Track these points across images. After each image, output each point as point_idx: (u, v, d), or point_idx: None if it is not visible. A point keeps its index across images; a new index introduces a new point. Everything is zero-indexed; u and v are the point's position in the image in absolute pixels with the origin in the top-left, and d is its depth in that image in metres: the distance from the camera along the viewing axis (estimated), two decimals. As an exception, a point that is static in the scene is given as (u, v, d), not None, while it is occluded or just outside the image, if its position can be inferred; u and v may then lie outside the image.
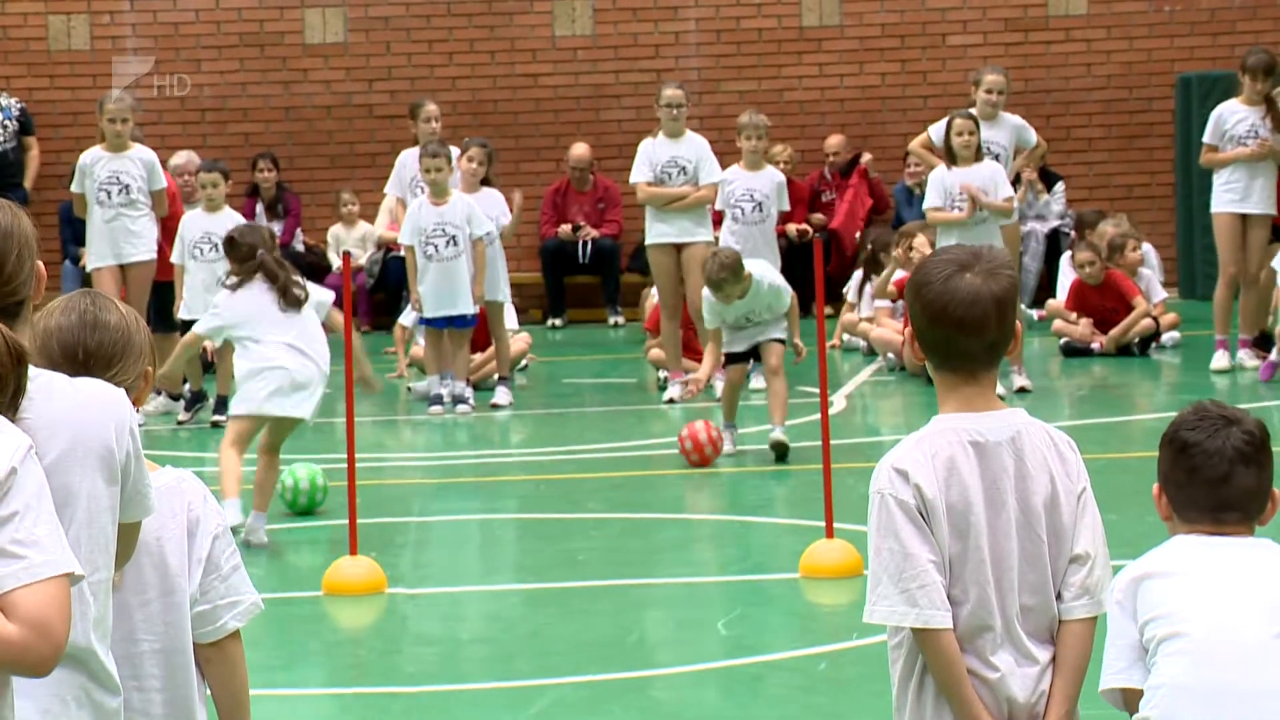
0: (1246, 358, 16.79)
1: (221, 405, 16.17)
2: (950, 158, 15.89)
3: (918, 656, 4.84)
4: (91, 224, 16.51)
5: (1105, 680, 4.84)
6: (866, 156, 22.16)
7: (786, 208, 17.40)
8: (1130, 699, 4.80)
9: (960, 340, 4.84)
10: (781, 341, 14.04)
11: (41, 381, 4.08)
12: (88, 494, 4.09)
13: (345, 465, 10.87)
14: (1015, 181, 17.31)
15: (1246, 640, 4.73)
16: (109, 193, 16.30)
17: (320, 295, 12.01)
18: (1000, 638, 4.82)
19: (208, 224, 16.33)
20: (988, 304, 4.82)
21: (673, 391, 16.52)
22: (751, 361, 14.94)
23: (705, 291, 13.97)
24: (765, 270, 14.21)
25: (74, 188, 16.69)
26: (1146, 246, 19.83)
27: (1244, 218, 16.51)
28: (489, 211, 16.78)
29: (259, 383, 11.51)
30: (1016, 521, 4.83)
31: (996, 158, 16.36)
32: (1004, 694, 4.81)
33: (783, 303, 14.09)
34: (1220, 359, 16.85)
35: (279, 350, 11.53)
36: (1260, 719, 4.71)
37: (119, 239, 16.32)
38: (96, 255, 16.48)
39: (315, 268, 20.74)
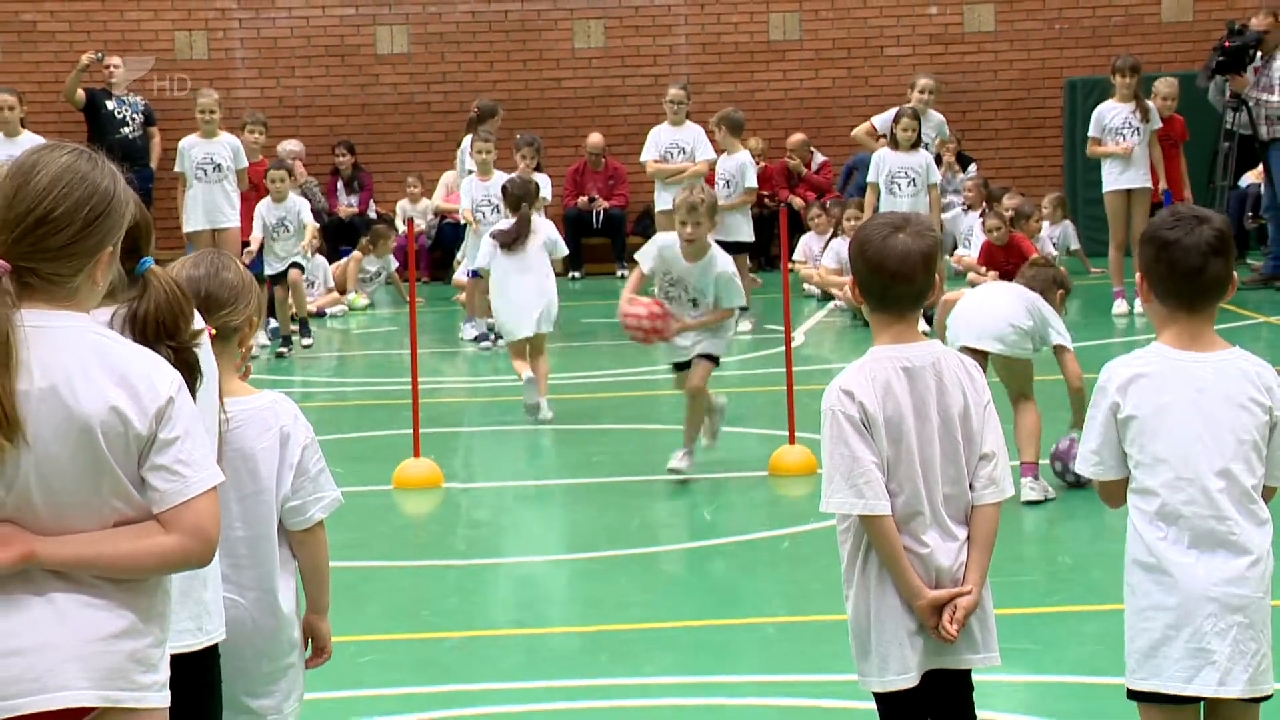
0: (1140, 304, 16.78)
1: (286, 341, 16.35)
2: (893, 143, 16.01)
3: (863, 538, 4.86)
4: (190, 196, 16.44)
5: (1082, 466, 4.82)
6: (819, 159, 22.20)
7: (753, 184, 17.43)
8: (1110, 488, 4.78)
9: (894, 287, 4.84)
10: (713, 359, 10.68)
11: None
12: None
13: (410, 386, 10.89)
14: (938, 160, 17.42)
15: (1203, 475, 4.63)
16: (205, 170, 16.34)
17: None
18: (929, 520, 4.84)
19: (280, 211, 16.52)
20: (916, 259, 4.82)
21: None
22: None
23: (659, 238, 10.75)
24: (730, 263, 10.62)
25: (176, 168, 16.71)
26: (1067, 224, 20.02)
27: (1128, 193, 16.54)
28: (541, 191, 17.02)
29: None
30: (938, 429, 4.84)
31: (926, 146, 16.55)
32: (933, 564, 4.83)
33: (731, 300, 10.51)
34: (1119, 306, 16.94)
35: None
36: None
37: (212, 209, 16.36)
38: (193, 221, 16.40)
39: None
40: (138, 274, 3.89)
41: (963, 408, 4.87)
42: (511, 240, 13.08)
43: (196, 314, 3.97)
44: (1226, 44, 18.12)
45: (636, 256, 10.68)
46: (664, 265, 10.46)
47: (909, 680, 4.84)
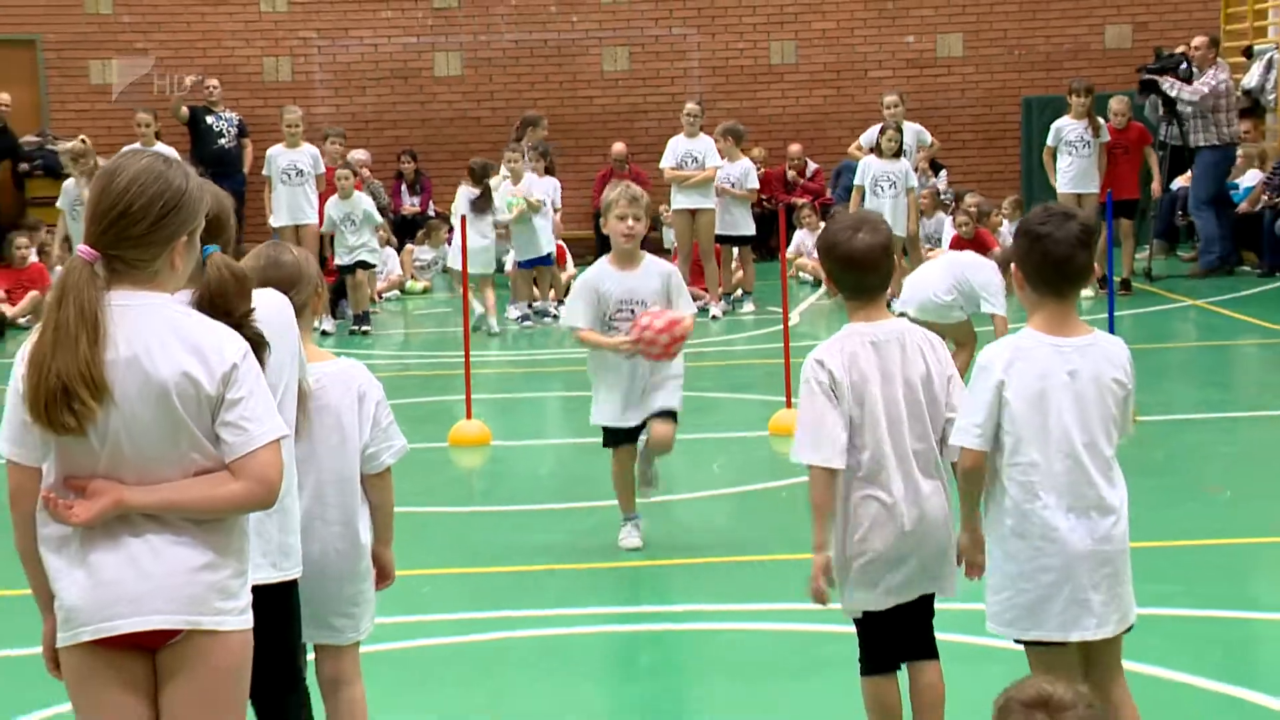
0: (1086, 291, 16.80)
1: (359, 320, 16.32)
2: (878, 152, 16.19)
3: (845, 490, 4.87)
4: (276, 197, 16.69)
5: (962, 438, 4.58)
6: (812, 167, 22.10)
7: (755, 185, 17.46)
8: (980, 459, 4.56)
9: (862, 277, 4.91)
10: (673, 415, 7.91)
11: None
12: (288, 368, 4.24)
13: (463, 358, 10.87)
14: (917, 167, 17.47)
15: (1076, 448, 4.54)
16: (289, 175, 16.57)
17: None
18: (894, 473, 4.85)
19: (346, 208, 16.45)
20: (877, 250, 4.88)
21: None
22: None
23: (576, 285, 7.94)
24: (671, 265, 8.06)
25: (264, 172, 16.96)
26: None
27: (1079, 196, 16.51)
28: (546, 190, 17.09)
29: None
30: (903, 392, 4.86)
31: (906, 153, 16.64)
32: (898, 512, 4.88)
33: (688, 303, 7.85)
34: None
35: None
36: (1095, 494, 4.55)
37: (295, 208, 16.52)
38: (279, 218, 16.63)
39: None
40: (202, 260, 3.91)
41: (924, 373, 4.89)
42: (480, 205, 15.93)
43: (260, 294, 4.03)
44: (1148, 66, 18.31)
45: (567, 322, 7.99)
46: (603, 293, 7.78)
47: (878, 605, 4.90)
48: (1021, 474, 4.53)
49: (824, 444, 4.78)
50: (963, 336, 10.20)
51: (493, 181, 17.57)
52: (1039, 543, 4.51)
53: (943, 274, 10.32)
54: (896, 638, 4.95)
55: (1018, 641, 4.64)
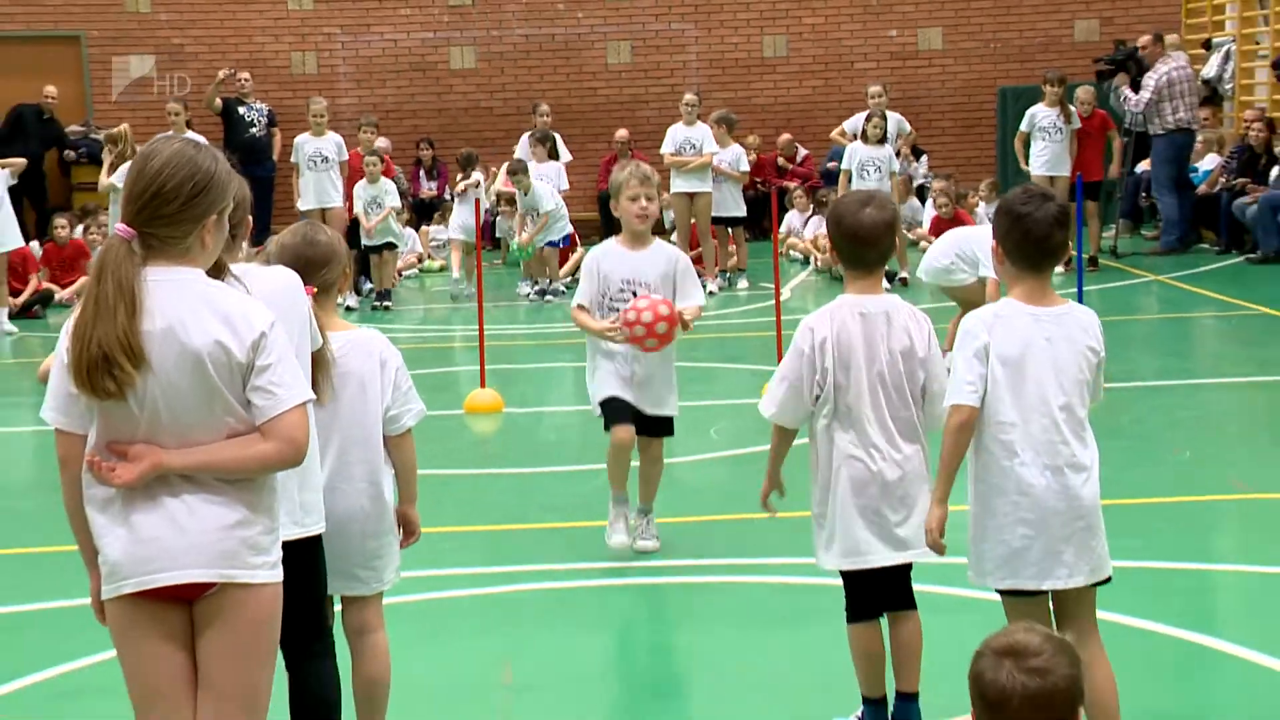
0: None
1: (381, 297, 16.33)
2: (864, 139, 16.23)
3: (827, 451, 4.88)
4: (303, 182, 16.65)
5: (956, 396, 4.49)
6: (802, 153, 22.04)
7: (746, 169, 17.45)
8: (970, 415, 4.48)
9: (865, 251, 4.90)
10: (669, 424, 7.39)
11: (253, 271, 4.13)
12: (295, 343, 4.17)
13: (478, 330, 10.86)
14: (899, 153, 17.50)
15: (1052, 409, 4.51)
16: (315, 162, 16.57)
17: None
18: (876, 435, 4.85)
19: (373, 191, 16.45)
20: (882, 227, 4.88)
21: None
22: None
23: (584, 263, 7.20)
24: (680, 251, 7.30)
25: (292, 159, 16.94)
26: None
27: (1052, 179, 16.52)
28: (547, 173, 17.15)
29: None
30: (887, 361, 4.88)
31: (888, 140, 16.68)
32: (876, 470, 4.86)
33: (699, 293, 7.19)
34: None
35: None
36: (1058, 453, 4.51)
37: (321, 193, 16.49)
38: (306, 202, 16.61)
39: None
40: None
41: (907, 346, 4.89)
42: (463, 190, 16.78)
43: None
44: (1104, 58, 18.44)
45: (574, 299, 7.16)
46: (604, 272, 7.05)
47: (863, 563, 4.89)
48: (1001, 433, 4.50)
49: (783, 405, 4.92)
50: (975, 301, 10.47)
51: (504, 175, 17.64)
52: (1016, 498, 4.49)
53: (945, 245, 11.00)
54: (878, 590, 4.96)
55: (996, 590, 4.63)
